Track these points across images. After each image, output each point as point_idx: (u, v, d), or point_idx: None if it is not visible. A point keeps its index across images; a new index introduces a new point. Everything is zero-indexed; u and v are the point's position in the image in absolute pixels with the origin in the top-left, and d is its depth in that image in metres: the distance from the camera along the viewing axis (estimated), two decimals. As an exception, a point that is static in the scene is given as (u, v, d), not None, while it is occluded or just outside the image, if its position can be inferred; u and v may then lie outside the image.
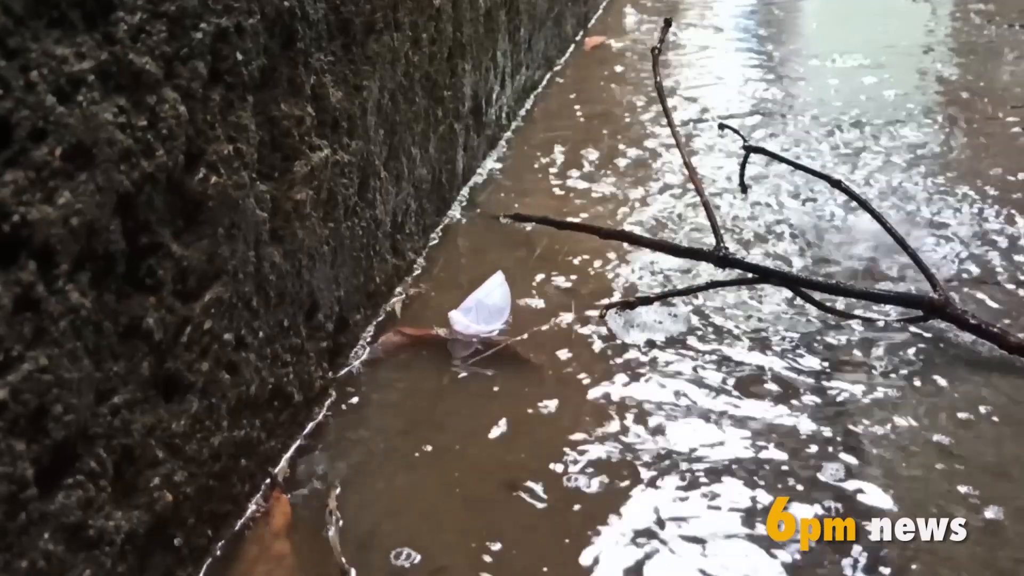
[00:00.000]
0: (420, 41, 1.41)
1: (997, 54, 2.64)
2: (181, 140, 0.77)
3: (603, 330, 1.28)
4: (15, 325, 0.60)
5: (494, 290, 1.30)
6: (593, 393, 1.15)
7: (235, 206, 0.88)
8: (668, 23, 1.67)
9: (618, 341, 1.25)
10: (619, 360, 1.21)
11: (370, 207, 1.25)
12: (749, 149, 1.46)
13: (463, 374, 1.20)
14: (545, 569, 0.89)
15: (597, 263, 1.47)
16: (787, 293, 1.33)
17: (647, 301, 1.31)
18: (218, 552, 0.90)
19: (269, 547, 0.93)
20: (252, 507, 0.96)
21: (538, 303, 1.35)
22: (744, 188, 1.54)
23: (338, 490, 0.98)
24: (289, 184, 1.00)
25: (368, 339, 1.26)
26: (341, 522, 0.94)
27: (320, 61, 1.05)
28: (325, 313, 1.12)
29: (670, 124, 1.54)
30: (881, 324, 1.27)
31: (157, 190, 0.75)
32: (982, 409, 1.10)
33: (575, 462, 1.03)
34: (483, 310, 1.27)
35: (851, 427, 1.07)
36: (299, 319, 1.05)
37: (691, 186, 1.46)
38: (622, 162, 1.88)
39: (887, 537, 0.91)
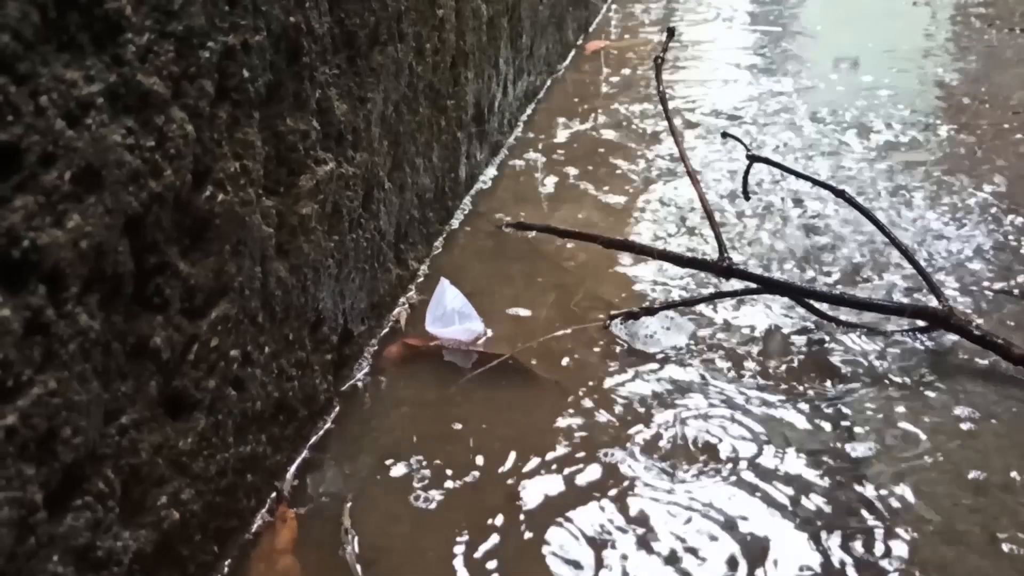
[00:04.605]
0: (424, 51, 1.41)
1: (997, 58, 2.65)
2: (188, 159, 0.77)
3: (607, 340, 1.28)
4: (25, 349, 0.60)
5: (444, 294, 1.30)
6: (598, 403, 1.15)
7: (241, 223, 0.88)
8: (671, 32, 1.66)
9: (622, 351, 1.25)
10: (624, 370, 1.21)
11: (374, 218, 1.25)
12: (752, 159, 1.46)
13: (467, 385, 1.20)
14: (551, 585, 0.89)
15: (600, 272, 1.47)
16: (790, 303, 1.33)
17: (651, 311, 1.31)
18: (225, 569, 0.90)
19: (275, 562, 0.93)
20: (258, 522, 0.96)
21: (541, 312, 1.36)
22: (747, 196, 1.54)
23: (349, 504, 0.98)
24: (295, 198, 1.00)
25: (372, 350, 1.26)
26: (357, 539, 0.94)
27: (325, 75, 1.05)
28: (330, 326, 1.12)
29: (672, 132, 1.54)
30: (885, 335, 1.27)
31: (165, 210, 0.75)
32: (986, 421, 1.10)
33: (582, 473, 1.03)
34: (455, 315, 1.28)
35: (854, 437, 1.08)
36: (304, 333, 1.05)
37: (695, 194, 1.46)
38: (625, 169, 1.88)
39: (891, 545, 0.92)
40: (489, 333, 1.29)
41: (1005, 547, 0.92)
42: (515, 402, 1.16)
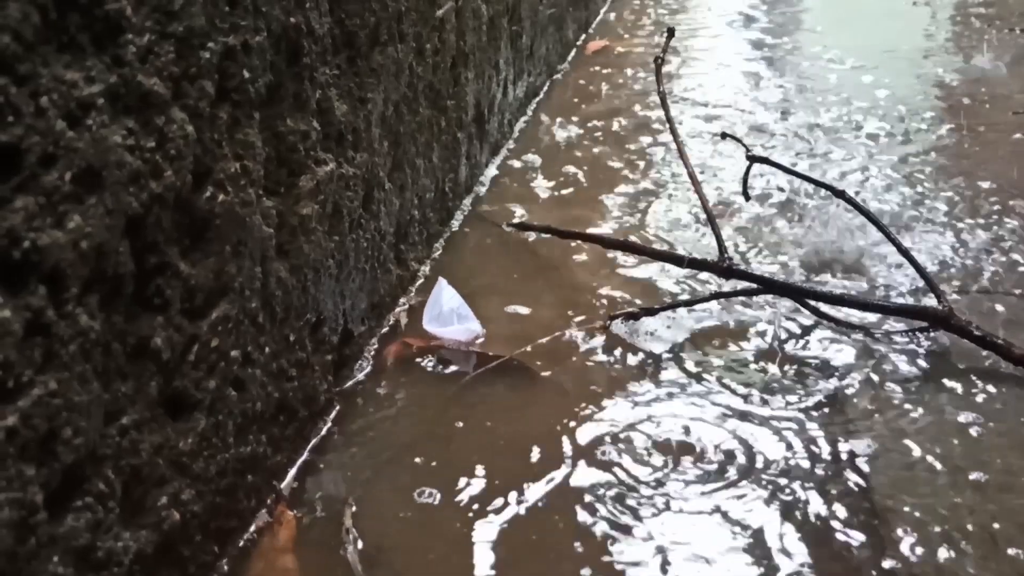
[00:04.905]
0: (424, 51, 1.41)
1: (998, 58, 2.64)
2: (189, 160, 0.78)
3: (607, 340, 1.28)
4: (25, 350, 0.60)
5: (441, 294, 1.30)
6: (598, 403, 1.15)
7: (242, 223, 0.88)
8: (671, 32, 1.66)
9: (623, 351, 1.25)
10: (624, 370, 1.21)
11: (374, 219, 1.25)
12: (753, 159, 1.46)
13: (468, 385, 1.20)
14: (552, 585, 0.90)
15: (600, 273, 1.47)
16: (791, 303, 1.33)
17: (651, 312, 1.31)
18: (224, 568, 0.90)
19: (275, 562, 0.94)
20: (258, 522, 0.96)
21: (541, 312, 1.36)
22: (747, 197, 1.54)
23: (353, 508, 0.98)
24: (295, 199, 1.00)
25: (373, 351, 1.26)
26: (359, 541, 0.94)
27: (325, 75, 1.06)
28: (330, 326, 1.12)
29: (673, 133, 1.54)
30: (885, 335, 1.27)
31: (165, 210, 0.75)
32: (987, 421, 1.10)
33: (581, 476, 1.03)
34: (453, 315, 1.28)
35: (854, 437, 1.08)
36: (304, 333, 1.05)
37: (695, 195, 1.46)
38: (625, 170, 1.88)
39: (892, 545, 0.92)
40: (487, 333, 1.29)
41: (1005, 547, 0.92)
42: (516, 402, 1.16)
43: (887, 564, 0.90)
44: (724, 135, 1.57)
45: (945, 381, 1.18)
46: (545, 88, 2.42)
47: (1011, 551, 0.91)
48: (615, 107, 2.28)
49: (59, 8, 0.61)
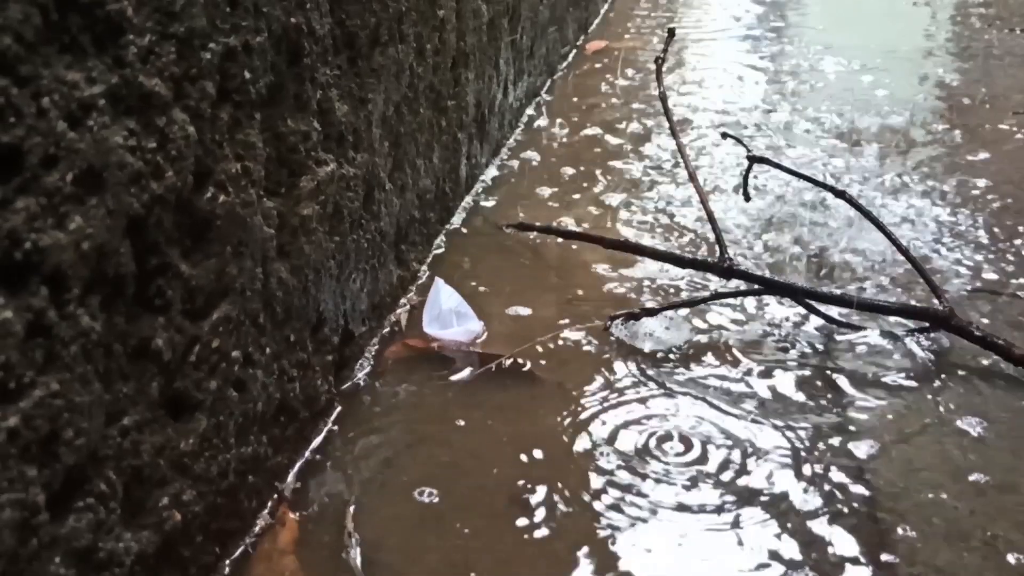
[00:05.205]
0: (424, 52, 1.41)
1: (998, 59, 2.65)
2: (190, 160, 0.77)
3: (607, 341, 1.28)
4: (27, 352, 0.60)
5: (439, 294, 1.30)
6: (597, 403, 1.15)
7: (243, 224, 0.88)
8: (672, 33, 1.67)
9: (622, 352, 1.25)
10: (624, 372, 1.21)
11: (375, 219, 1.25)
12: (753, 159, 1.46)
13: (467, 387, 1.20)
14: (553, 586, 0.89)
15: (600, 273, 1.47)
16: (791, 303, 1.33)
17: (651, 312, 1.31)
18: (226, 570, 0.90)
19: (276, 563, 0.93)
20: (259, 523, 0.96)
21: (541, 313, 1.36)
22: (747, 197, 1.54)
23: (353, 508, 0.98)
24: (296, 200, 1.00)
25: (373, 351, 1.26)
26: (359, 540, 0.94)
27: (326, 76, 1.06)
28: (331, 327, 1.12)
29: (673, 132, 1.55)
30: (885, 335, 1.27)
31: (166, 211, 0.75)
32: (987, 422, 1.10)
33: (581, 476, 1.03)
34: (452, 315, 1.28)
35: (855, 439, 1.08)
36: (305, 334, 1.05)
37: (695, 194, 1.46)
38: (626, 170, 1.89)
39: (892, 546, 0.92)
40: (487, 333, 1.29)
41: (1005, 549, 0.92)
42: (516, 402, 1.16)
43: (887, 565, 0.90)
44: (725, 135, 1.57)
45: (945, 381, 1.18)
46: (545, 88, 2.42)
47: (1011, 554, 0.91)
48: (615, 106, 2.28)
49: (60, 9, 0.61)
